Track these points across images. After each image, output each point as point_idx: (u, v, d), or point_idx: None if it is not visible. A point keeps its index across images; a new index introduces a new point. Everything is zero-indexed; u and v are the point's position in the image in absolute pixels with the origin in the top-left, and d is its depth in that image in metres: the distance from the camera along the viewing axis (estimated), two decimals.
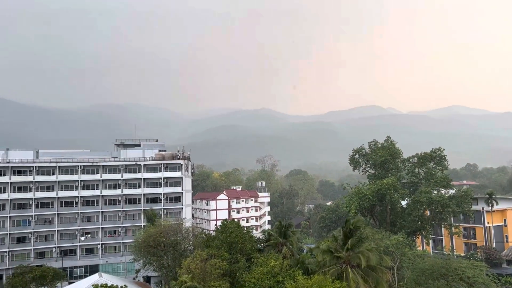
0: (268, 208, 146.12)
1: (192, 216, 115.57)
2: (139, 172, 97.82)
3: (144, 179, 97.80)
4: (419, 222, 72.42)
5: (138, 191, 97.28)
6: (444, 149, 76.77)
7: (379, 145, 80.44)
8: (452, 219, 76.74)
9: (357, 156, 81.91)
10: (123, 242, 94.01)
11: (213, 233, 64.62)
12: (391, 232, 65.01)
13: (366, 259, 39.94)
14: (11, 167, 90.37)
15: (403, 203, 77.62)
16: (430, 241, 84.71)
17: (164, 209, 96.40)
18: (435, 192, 71.66)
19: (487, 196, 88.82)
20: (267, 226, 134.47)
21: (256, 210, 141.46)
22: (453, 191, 73.60)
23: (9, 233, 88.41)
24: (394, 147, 78.77)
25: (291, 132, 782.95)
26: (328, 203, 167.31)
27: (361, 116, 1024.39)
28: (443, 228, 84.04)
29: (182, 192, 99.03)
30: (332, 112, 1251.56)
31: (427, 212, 75.18)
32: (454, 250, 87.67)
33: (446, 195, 71.20)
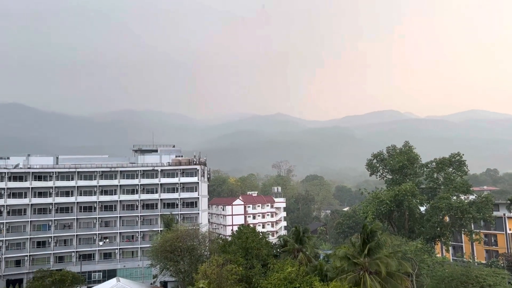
0: (284, 214, 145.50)
1: (208, 221, 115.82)
2: (156, 177, 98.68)
3: (161, 184, 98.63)
4: (438, 229, 71.19)
5: (155, 196, 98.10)
6: (463, 154, 75.48)
7: (397, 150, 79.60)
8: (472, 225, 75.14)
9: (375, 161, 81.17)
10: (140, 247, 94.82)
11: (229, 239, 64.70)
12: (409, 239, 64.11)
13: (385, 265, 39.38)
14: (32, 172, 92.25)
15: (422, 209, 76.46)
16: (450, 248, 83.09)
17: (180, 214, 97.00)
18: (455, 197, 70.39)
19: (509, 201, 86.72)
20: (283, 232, 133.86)
21: (272, 216, 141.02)
22: (473, 197, 72.20)
23: (30, 238, 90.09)
24: (412, 152, 77.80)
25: (307, 137, 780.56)
26: (345, 209, 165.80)
27: (379, 121, 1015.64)
28: (463, 235, 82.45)
29: (198, 198, 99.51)
30: (348, 116, 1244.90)
31: (447, 218, 73.87)
32: (475, 257, 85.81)
33: (466, 201, 69.89)
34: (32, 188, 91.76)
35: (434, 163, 77.38)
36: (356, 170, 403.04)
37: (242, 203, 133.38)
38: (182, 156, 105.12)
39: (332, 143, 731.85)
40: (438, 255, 78.77)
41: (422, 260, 52.30)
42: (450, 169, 75.36)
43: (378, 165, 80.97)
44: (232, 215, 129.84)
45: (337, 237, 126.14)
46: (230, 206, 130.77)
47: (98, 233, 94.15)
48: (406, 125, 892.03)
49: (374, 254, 41.10)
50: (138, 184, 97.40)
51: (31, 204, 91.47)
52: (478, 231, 76.79)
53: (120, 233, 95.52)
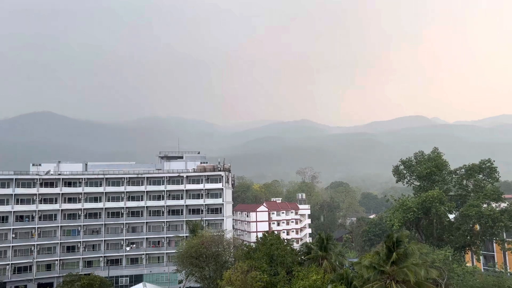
0: (309, 221, 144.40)
1: (233, 228, 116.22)
2: (182, 183, 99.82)
3: (186, 190, 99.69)
4: (468, 237, 69.33)
5: (180, 202, 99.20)
6: (494, 160, 73.43)
7: (425, 157, 78.11)
8: (504, 234, 72.83)
9: (402, 167, 79.86)
10: (166, 253, 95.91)
11: (254, 245, 64.74)
12: (438, 247, 62.60)
13: (414, 274, 38.53)
14: (62, 178, 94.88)
15: (451, 216, 74.59)
16: (481, 257, 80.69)
17: (205, 220, 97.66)
18: (485, 205, 68.41)
19: None
20: (307, 239, 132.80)
21: (296, 223, 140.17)
22: (505, 205, 70.02)
23: (60, 242, 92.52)
24: (441, 159, 76.15)
25: (332, 144, 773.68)
26: (371, 216, 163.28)
27: (405, 127, 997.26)
28: (494, 244, 79.88)
29: (223, 204, 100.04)
30: (374, 122, 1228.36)
31: (477, 227, 71.79)
32: (508, 267, 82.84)
33: (497, 209, 67.85)
34: (62, 194, 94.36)
35: (463, 170, 75.61)
36: (382, 177, 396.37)
37: (266, 209, 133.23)
38: (207, 163, 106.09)
39: (357, 149, 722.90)
40: (468, 265, 76.54)
41: (451, 269, 50.95)
42: (480, 175, 73.43)
43: (405, 171, 79.61)
44: (256, 221, 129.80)
45: (363, 245, 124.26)
46: (254, 213, 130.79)
47: (125, 239, 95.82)
48: (433, 130, 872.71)
49: (401, 262, 40.31)
50: (164, 190, 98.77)
51: (61, 210, 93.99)
52: (510, 240, 74.27)
53: (146, 238, 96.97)
